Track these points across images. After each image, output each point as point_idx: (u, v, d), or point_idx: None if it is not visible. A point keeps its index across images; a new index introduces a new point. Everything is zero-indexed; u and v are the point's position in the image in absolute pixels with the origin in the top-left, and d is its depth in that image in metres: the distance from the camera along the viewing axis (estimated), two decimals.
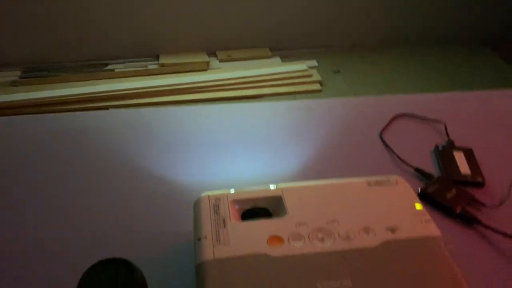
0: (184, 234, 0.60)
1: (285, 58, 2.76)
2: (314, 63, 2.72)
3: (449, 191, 0.66)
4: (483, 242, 0.59)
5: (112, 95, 2.32)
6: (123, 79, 2.48)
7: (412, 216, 0.51)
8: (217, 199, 0.53)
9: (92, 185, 0.68)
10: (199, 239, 0.48)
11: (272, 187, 0.55)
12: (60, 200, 0.66)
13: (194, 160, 0.73)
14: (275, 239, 0.47)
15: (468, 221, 0.62)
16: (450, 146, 0.76)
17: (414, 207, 0.52)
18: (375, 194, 0.54)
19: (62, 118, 0.84)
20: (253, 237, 0.47)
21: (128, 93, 2.34)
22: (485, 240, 0.59)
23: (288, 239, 0.47)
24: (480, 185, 0.68)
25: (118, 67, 2.58)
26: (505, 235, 0.59)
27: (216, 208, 0.51)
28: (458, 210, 0.63)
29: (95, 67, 2.61)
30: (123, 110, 0.87)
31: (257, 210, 0.53)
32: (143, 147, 0.76)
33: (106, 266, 0.38)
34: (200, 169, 0.71)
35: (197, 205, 0.53)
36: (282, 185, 0.55)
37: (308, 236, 0.47)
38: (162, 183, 0.69)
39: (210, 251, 0.46)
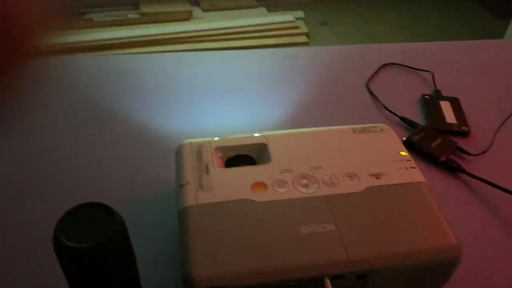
0: (165, 182, 0.59)
1: (271, 8, 2.68)
2: (301, 14, 2.65)
3: (434, 140, 0.66)
4: (466, 190, 0.60)
5: (90, 45, 2.23)
6: (102, 28, 2.38)
7: (397, 162, 0.50)
8: (200, 146, 0.51)
9: (71, 132, 0.66)
10: (181, 186, 0.47)
11: (256, 135, 0.53)
12: (39, 148, 0.63)
13: (175, 108, 0.71)
14: (259, 185, 0.46)
15: (452, 169, 0.62)
16: (436, 95, 0.75)
17: (399, 153, 0.51)
18: (360, 141, 0.53)
19: (37, 66, 0.80)
20: (236, 183, 0.46)
21: (107, 44, 2.26)
22: (469, 188, 0.60)
23: (272, 185, 0.46)
24: (465, 134, 0.68)
25: (97, 16, 2.48)
26: (488, 183, 0.59)
27: (198, 155, 0.50)
28: (443, 159, 0.63)
29: (72, 16, 2.49)
30: (103, 56, 0.83)
31: (241, 157, 0.52)
32: (123, 94, 0.74)
33: (85, 210, 0.37)
34: (181, 118, 0.69)
35: (178, 151, 0.51)
36: (267, 132, 0.54)
37: (292, 182, 0.47)
38: (143, 131, 0.67)
39: (192, 197, 0.45)
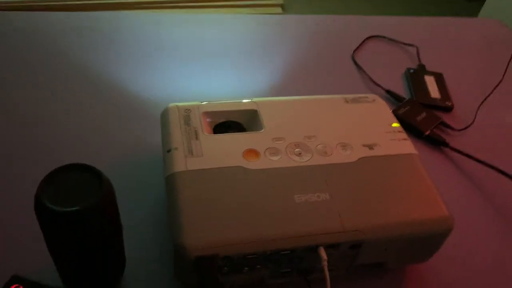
0: (151, 147, 0.56)
1: None
2: None
3: (419, 113, 0.66)
4: (449, 164, 0.60)
5: (60, 4, 2.11)
6: None
7: (389, 134, 0.49)
8: (188, 110, 0.49)
9: (51, 94, 0.62)
10: (169, 151, 0.44)
11: (246, 100, 0.51)
12: (19, 107, 0.59)
13: (159, 73, 0.68)
14: (252, 152, 0.44)
15: (436, 143, 0.62)
16: (421, 70, 0.75)
17: (391, 125, 0.51)
18: (352, 111, 0.52)
19: (10, 17, 0.74)
20: (228, 150, 0.44)
21: (80, 4, 2.14)
22: (452, 162, 0.60)
23: (264, 152, 0.45)
24: (448, 109, 0.68)
25: None
26: (470, 157, 0.60)
27: (186, 119, 0.48)
28: (427, 132, 0.63)
29: None
30: (83, 13, 0.78)
31: (230, 123, 0.50)
32: (104, 56, 0.69)
33: (70, 171, 0.34)
34: (163, 81, 0.66)
35: (165, 115, 0.48)
36: (257, 99, 0.52)
37: (286, 150, 0.45)
38: (126, 94, 0.63)
39: (182, 162, 0.42)
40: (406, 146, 0.48)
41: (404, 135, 0.50)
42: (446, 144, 0.62)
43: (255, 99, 0.51)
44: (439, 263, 0.48)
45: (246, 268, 0.39)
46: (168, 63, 0.69)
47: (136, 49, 0.71)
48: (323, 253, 0.39)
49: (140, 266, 0.44)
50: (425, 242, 0.42)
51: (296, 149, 0.46)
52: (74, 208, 0.32)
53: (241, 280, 0.41)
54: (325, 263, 0.38)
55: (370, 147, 0.47)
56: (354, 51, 0.78)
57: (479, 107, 0.70)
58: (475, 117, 0.68)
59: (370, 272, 0.46)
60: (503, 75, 0.74)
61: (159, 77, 0.67)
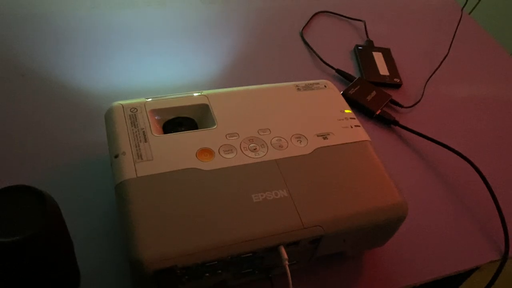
0: (96, 147, 0.53)
1: None
2: None
3: (369, 93, 0.66)
4: (400, 142, 0.61)
5: None
6: None
7: (342, 121, 0.49)
8: (133, 108, 0.46)
9: None
10: (116, 156, 0.42)
11: (196, 94, 0.49)
12: None
13: (98, 62, 0.63)
14: (205, 152, 0.43)
15: (386, 122, 0.63)
16: (369, 46, 0.75)
17: (343, 111, 0.50)
18: (305, 99, 0.51)
19: None
20: (180, 151, 0.42)
21: None
22: (402, 140, 0.62)
23: (219, 151, 0.43)
24: (397, 86, 0.69)
25: None
26: (419, 134, 0.61)
27: (133, 119, 0.45)
28: (378, 112, 0.63)
29: None
30: None
31: (181, 120, 0.48)
32: (36, 48, 0.64)
33: (8, 194, 0.31)
34: (105, 73, 0.62)
35: (109, 116, 0.45)
36: (207, 91, 0.50)
37: (240, 147, 0.44)
38: (64, 88, 0.59)
39: (131, 169, 0.40)
40: (359, 133, 0.48)
41: (356, 121, 0.50)
42: (396, 123, 0.63)
43: (204, 92, 0.49)
44: (394, 243, 0.50)
45: (207, 274, 0.38)
46: (109, 51, 0.65)
47: (72, 38, 0.66)
48: (283, 253, 0.38)
49: (95, 280, 0.42)
50: (382, 229, 0.43)
51: (251, 145, 0.44)
52: (13, 239, 0.29)
53: (203, 285, 0.40)
54: (286, 263, 0.38)
55: (324, 136, 0.47)
56: (303, 28, 0.76)
57: (426, 83, 0.71)
58: (423, 93, 0.69)
59: (331, 261, 0.47)
60: (449, 48, 0.76)
61: (100, 67, 0.63)
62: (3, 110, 0.55)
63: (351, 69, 0.71)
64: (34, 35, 0.65)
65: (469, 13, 0.97)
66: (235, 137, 0.45)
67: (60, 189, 0.48)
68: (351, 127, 0.49)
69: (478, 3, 1.32)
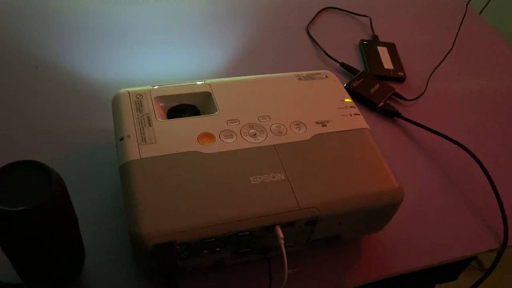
0: (101, 132, 0.55)
1: None
2: None
3: (372, 86, 0.67)
4: (402, 134, 0.62)
5: None
6: None
7: (342, 109, 0.50)
8: (139, 95, 0.48)
9: None
10: (121, 139, 0.44)
11: (199, 82, 0.51)
12: None
13: (107, 55, 0.66)
14: (206, 136, 0.44)
15: (389, 114, 0.64)
16: (374, 41, 0.76)
17: (343, 100, 0.52)
18: (306, 88, 0.52)
19: None
20: (182, 135, 0.44)
21: None
22: (404, 132, 0.62)
23: (219, 136, 0.45)
24: (401, 79, 0.70)
25: None
26: (421, 126, 0.62)
27: (138, 105, 0.47)
28: (381, 104, 0.64)
29: None
30: None
31: (184, 107, 0.49)
32: (50, 39, 0.66)
33: (17, 169, 0.33)
34: (112, 63, 0.64)
35: (116, 101, 0.47)
36: (210, 80, 0.51)
37: (240, 133, 0.45)
38: (75, 78, 0.61)
39: (135, 151, 0.42)
40: (358, 121, 0.49)
41: (355, 110, 0.51)
42: (398, 115, 0.63)
43: (208, 81, 0.51)
44: (393, 230, 0.51)
45: (205, 252, 0.40)
46: (118, 44, 0.67)
47: (83, 31, 0.69)
48: (279, 232, 0.40)
49: (101, 255, 0.44)
50: (377, 213, 0.44)
51: (251, 130, 0.46)
52: (20, 208, 0.31)
53: (202, 263, 0.42)
54: (282, 242, 0.39)
55: (323, 124, 0.48)
56: (309, 24, 0.78)
57: (430, 77, 0.72)
58: (426, 87, 0.70)
59: (329, 244, 0.48)
60: (453, 43, 0.76)
61: (109, 59, 0.65)
62: (20, 98, 0.57)
63: (356, 63, 0.72)
64: (47, 30, 0.68)
65: (480, 13, 0.97)
66: (236, 123, 0.46)
67: (68, 169, 0.50)
68: (351, 115, 0.50)
69: (488, 3, 1.31)
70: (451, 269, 0.60)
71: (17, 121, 0.55)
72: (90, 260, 0.44)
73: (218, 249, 0.40)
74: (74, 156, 0.52)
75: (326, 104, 0.50)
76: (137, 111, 0.46)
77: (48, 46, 0.65)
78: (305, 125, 0.47)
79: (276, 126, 0.47)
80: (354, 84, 0.66)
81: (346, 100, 0.52)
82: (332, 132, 0.47)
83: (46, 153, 0.52)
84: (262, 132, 0.46)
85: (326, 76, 0.54)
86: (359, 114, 0.50)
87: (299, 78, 0.53)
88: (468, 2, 0.83)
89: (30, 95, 0.58)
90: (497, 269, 0.50)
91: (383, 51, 0.74)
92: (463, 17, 0.78)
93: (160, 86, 0.49)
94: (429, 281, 0.62)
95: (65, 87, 0.60)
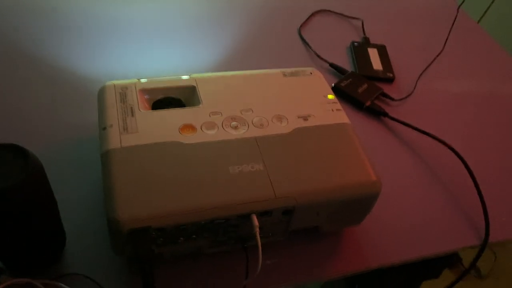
0: (88, 126, 0.56)
1: None
2: None
3: (360, 85, 0.68)
4: (389, 133, 0.63)
5: None
6: None
7: (324, 105, 0.51)
8: (124, 87, 0.49)
9: None
10: (104, 129, 0.44)
11: (185, 77, 0.52)
12: None
13: (96, 49, 0.67)
14: (188, 127, 0.45)
15: (376, 113, 0.65)
16: (365, 43, 0.76)
17: (326, 97, 0.52)
18: (290, 84, 0.53)
19: None
20: (164, 125, 0.45)
21: None
22: (391, 131, 0.63)
23: (201, 127, 0.45)
24: (390, 80, 0.71)
25: None
26: (408, 126, 0.62)
27: (123, 96, 0.48)
28: (368, 104, 0.65)
29: None
30: None
31: (169, 100, 0.50)
32: (40, 33, 0.68)
33: None
34: (104, 59, 0.66)
35: (101, 93, 0.48)
36: (196, 75, 0.52)
37: (222, 124, 0.46)
38: (62, 72, 0.62)
39: (116, 140, 0.43)
40: (339, 116, 0.50)
41: (338, 105, 0.51)
42: (385, 114, 0.64)
43: (193, 75, 0.52)
44: (376, 225, 0.51)
45: (181, 239, 0.41)
46: (109, 39, 0.69)
47: (74, 28, 0.70)
48: (255, 220, 0.40)
49: (82, 240, 0.45)
50: (355, 205, 0.45)
51: (233, 123, 0.47)
52: None
53: (180, 251, 0.42)
54: (257, 230, 0.40)
55: (305, 118, 0.49)
56: (301, 26, 0.79)
57: (419, 78, 0.72)
58: (414, 87, 0.70)
59: (308, 237, 0.48)
60: (443, 46, 0.77)
61: (100, 54, 0.66)
62: (16, 93, 0.59)
63: (346, 64, 0.73)
64: (44, 27, 0.69)
65: (478, 22, 0.97)
66: (218, 115, 0.47)
67: (53, 160, 0.51)
68: (333, 110, 0.51)
69: (487, 9, 1.32)
70: (434, 266, 0.60)
71: (5, 114, 0.56)
72: (72, 245, 0.44)
73: (194, 236, 0.41)
74: (60, 147, 0.53)
75: (309, 100, 0.51)
76: (121, 102, 0.47)
77: (44, 44, 0.66)
78: (286, 118, 0.48)
79: (258, 119, 0.47)
80: (342, 84, 0.67)
81: (329, 96, 0.52)
82: (313, 126, 0.48)
83: (33, 144, 0.53)
84: (243, 124, 0.47)
85: (311, 73, 0.55)
86: (341, 110, 0.51)
87: (284, 75, 0.54)
88: (460, 5, 0.83)
89: (25, 90, 0.59)
90: (494, 278, 0.50)
91: (373, 53, 0.74)
92: (454, 20, 0.79)
93: (146, 80, 0.50)
94: (411, 278, 0.62)
95: (58, 82, 0.61)
